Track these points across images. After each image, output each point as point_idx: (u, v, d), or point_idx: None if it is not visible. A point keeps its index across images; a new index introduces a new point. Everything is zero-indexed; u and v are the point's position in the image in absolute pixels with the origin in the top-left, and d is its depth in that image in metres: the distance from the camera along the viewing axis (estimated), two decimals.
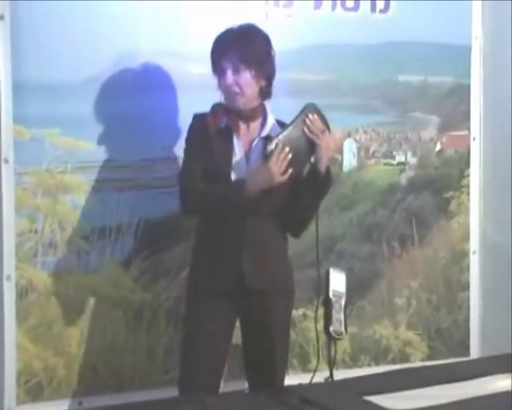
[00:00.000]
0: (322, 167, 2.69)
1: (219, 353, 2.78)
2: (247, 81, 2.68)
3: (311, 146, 2.67)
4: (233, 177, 2.70)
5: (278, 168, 2.61)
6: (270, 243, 2.77)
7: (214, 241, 2.74)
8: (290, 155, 2.61)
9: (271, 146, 2.61)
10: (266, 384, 2.72)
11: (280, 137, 2.63)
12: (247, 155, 2.74)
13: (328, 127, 2.68)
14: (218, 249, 2.73)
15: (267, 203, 2.69)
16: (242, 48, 2.67)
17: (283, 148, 2.61)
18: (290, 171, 2.62)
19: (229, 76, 2.67)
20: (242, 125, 2.75)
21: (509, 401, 2.28)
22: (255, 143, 2.75)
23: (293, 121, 2.66)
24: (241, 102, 2.71)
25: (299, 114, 2.67)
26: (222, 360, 2.81)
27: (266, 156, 2.62)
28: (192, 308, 2.80)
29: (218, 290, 2.72)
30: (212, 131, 2.72)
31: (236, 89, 2.68)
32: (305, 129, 2.64)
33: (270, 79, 2.75)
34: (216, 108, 2.76)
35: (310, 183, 2.71)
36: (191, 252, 2.86)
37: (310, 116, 2.65)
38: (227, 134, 2.73)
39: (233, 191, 2.67)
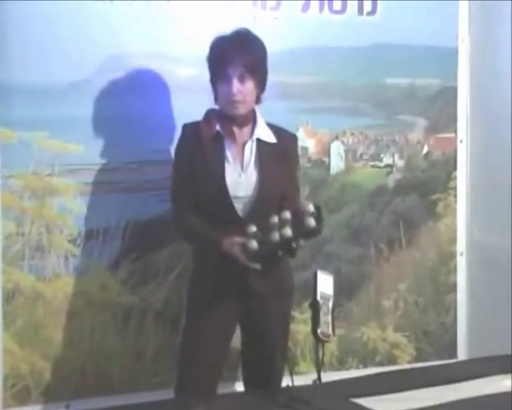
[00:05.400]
0: None
1: (219, 357, 2.77)
2: (250, 90, 2.68)
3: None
4: (227, 181, 2.68)
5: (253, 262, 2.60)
6: None
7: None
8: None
9: (252, 247, 2.55)
10: (263, 388, 2.71)
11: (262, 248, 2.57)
12: (240, 158, 2.74)
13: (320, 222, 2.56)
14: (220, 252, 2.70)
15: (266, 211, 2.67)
16: (248, 56, 2.66)
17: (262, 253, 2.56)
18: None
19: (236, 84, 2.66)
20: (236, 130, 2.74)
21: (496, 403, 2.29)
22: (247, 145, 2.75)
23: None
24: (242, 110, 2.70)
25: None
26: (221, 364, 2.80)
27: (248, 256, 2.57)
28: (193, 312, 2.79)
29: (220, 293, 2.72)
30: (206, 137, 2.71)
31: (240, 97, 2.67)
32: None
33: (264, 85, 2.76)
34: (210, 114, 2.75)
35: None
36: (192, 255, 2.85)
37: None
38: (218, 140, 2.73)
39: (210, 244, 2.68)
